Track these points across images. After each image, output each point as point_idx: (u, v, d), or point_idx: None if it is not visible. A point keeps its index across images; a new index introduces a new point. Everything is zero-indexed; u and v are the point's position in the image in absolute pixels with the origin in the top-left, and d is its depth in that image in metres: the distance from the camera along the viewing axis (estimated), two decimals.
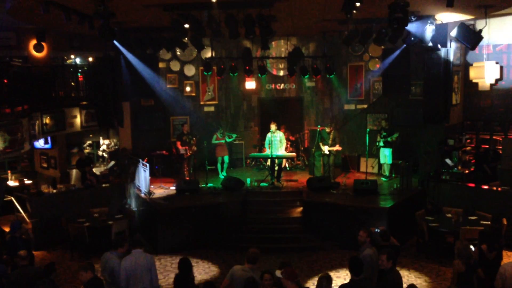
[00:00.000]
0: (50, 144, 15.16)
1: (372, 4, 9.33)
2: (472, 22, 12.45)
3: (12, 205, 12.72)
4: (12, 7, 9.82)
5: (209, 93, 16.26)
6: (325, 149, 13.56)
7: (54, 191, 12.75)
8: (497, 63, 14.31)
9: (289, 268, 6.03)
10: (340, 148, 13.80)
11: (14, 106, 11.40)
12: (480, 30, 9.99)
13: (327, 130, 13.67)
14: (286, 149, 14.15)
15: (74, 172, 15.33)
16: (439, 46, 11.48)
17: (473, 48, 11.37)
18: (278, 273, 5.99)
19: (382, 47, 13.17)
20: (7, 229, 9.85)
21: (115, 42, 12.14)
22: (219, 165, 14.61)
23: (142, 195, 12.72)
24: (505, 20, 13.41)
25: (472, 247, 7.35)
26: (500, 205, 11.06)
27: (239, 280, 6.35)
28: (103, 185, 13.77)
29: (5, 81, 11.59)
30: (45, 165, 15.70)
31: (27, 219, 11.90)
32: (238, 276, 6.46)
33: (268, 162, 13.84)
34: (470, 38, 10.24)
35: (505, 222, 9.93)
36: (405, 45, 12.24)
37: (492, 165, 12.89)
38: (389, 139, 13.38)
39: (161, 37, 12.13)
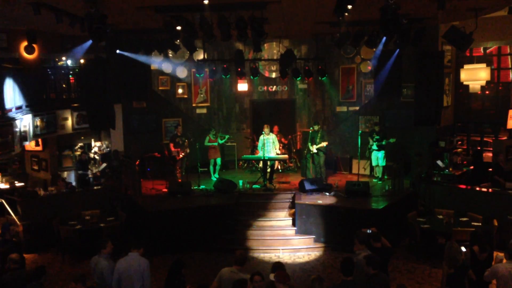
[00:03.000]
0: (41, 146, 15.08)
1: (364, 6, 9.36)
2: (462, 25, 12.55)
3: (3, 208, 12.63)
4: (3, 9, 9.76)
5: (201, 95, 16.24)
6: (313, 148, 13.57)
7: (46, 193, 12.68)
8: (487, 65, 14.43)
9: (282, 271, 6.04)
10: (326, 143, 13.71)
11: (4, 108, 11.33)
12: (471, 33, 10.05)
13: (316, 128, 13.66)
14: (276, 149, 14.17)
15: (65, 174, 15.25)
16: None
17: (463, 51, 11.45)
18: (271, 276, 5.99)
19: (374, 49, 13.22)
20: None
21: (106, 44, 12.10)
22: (211, 167, 14.59)
23: None
24: (496, 23, 13.53)
25: (463, 248, 7.39)
26: (491, 207, 11.14)
27: (227, 282, 6.36)
28: (95, 188, 13.72)
29: None
30: (36, 167, 15.61)
31: (17, 222, 11.81)
32: (226, 278, 6.47)
33: (261, 164, 13.85)
34: (461, 40, 10.30)
35: (496, 223, 10.00)
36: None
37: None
38: (383, 142, 13.41)
39: (153, 39, 12.10)
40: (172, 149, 13.94)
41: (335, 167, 15.39)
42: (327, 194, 12.60)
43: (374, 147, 13.60)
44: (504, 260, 6.96)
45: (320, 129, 13.70)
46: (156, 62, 15.20)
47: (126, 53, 12.55)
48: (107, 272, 6.96)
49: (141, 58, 12.83)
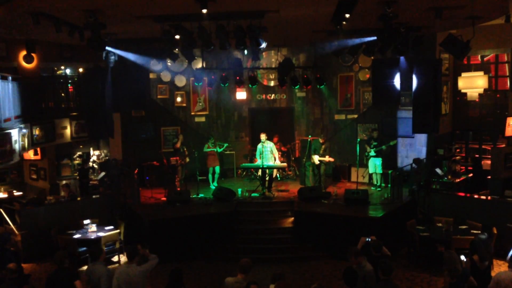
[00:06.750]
0: (40, 156, 15.06)
1: (362, 15, 9.41)
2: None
3: (1, 217, 12.59)
4: (2, 18, 9.78)
5: (200, 104, 16.26)
6: (316, 159, 13.60)
7: (50, 201, 12.69)
8: (485, 73, 14.47)
9: (283, 282, 6.00)
10: (332, 159, 13.86)
11: (3, 117, 11.32)
12: (468, 41, 10.10)
13: (320, 140, 13.74)
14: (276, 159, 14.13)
15: (63, 183, 15.21)
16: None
17: (461, 59, 11.48)
18: (271, 287, 5.96)
19: (372, 57, 13.27)
20: None
21: (105, 52, 12.12)
22: (210, 176, 14.58)
23: None
24: (493, 31, 13.59)
25: (463, 257, 7.38)
26: (490, 215, 11.13)
27: None
28: (94, 196, 13.69)
29: None
30: (34, 176, 15.59)
31: (16, 231, 11.77)
32: None
33: (259, 172, 13.84)
34: (458, 48, 10.34)
35: (495, 231, 9.99)
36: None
37: None
38: (383, 147, 13.39)
39: (152, 48, 12.13)
40: (177, 146, 13.91)
41: (336, 176, 15.33)
42: (326, 202, 12.60)
43: (372, 153, 13.61)
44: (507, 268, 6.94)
45: (325, 141, 13.76)
46: (155, 70, 15.25)
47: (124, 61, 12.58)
48: (105, 278, 6.93)
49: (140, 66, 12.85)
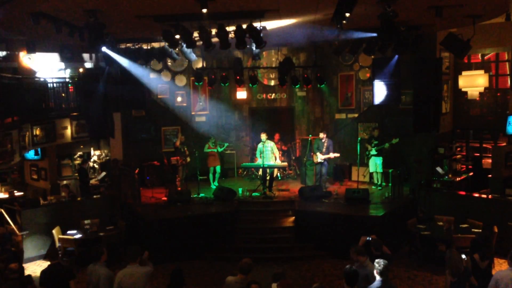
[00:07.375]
0: (40, 156, 15.06)
1: (362, 14, 9.39)
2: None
3: (2, 217, 12.60)
4: (2, 19, 9.77)
5: (200, 103, 16.24)
6: (319, 157, 13.52)
7: (46, 202, 12.68)
8: (485, 72, 14.46)
9: (285, 280, 6.00)
10: (337, 155, 13.78)
11: (3, 117, 11.33)
12: (468, 40, 10.09)
13: (321, 136, 13.67)
14: (276, 158, 14.11)
15: (64, 183, 15.23)
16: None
17: (461, 58, 11.48)
18: (273, 286, 5.96)
19: (372, 56, 13.26)
20: None
21: (105, 53, 12.12)
22: (211, 175, 14.58)
23: None
24: (493, 29, 13.58)
25: (463, 256, 7.38)
26: (491, 213, 11.14)
27: None
28: (94, 196, 13.69)
29: None
30: (35, 176, 15.60)
31: (17, 232, 11.78)
32: None
33: (260, 172, 13.84)
34: (459, 47, 10.34)
35: (496, 229, 10.00)
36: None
37: None
38: (385, 145, 13.35)
39: (152, 48, 12.12)
40: (177, 144, 13.89)
41: (339, 176, 15.31)
42: (327, 201, 12.60)
43: (373, 152, 13.59)
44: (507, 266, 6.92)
45: (326, 138, 13.69)
46: (155, 70, 15.24)
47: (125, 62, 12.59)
48: (104, 279, 6.94)
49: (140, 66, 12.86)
